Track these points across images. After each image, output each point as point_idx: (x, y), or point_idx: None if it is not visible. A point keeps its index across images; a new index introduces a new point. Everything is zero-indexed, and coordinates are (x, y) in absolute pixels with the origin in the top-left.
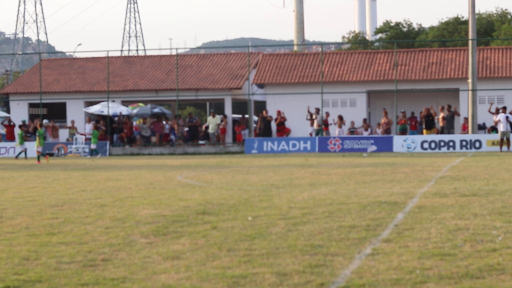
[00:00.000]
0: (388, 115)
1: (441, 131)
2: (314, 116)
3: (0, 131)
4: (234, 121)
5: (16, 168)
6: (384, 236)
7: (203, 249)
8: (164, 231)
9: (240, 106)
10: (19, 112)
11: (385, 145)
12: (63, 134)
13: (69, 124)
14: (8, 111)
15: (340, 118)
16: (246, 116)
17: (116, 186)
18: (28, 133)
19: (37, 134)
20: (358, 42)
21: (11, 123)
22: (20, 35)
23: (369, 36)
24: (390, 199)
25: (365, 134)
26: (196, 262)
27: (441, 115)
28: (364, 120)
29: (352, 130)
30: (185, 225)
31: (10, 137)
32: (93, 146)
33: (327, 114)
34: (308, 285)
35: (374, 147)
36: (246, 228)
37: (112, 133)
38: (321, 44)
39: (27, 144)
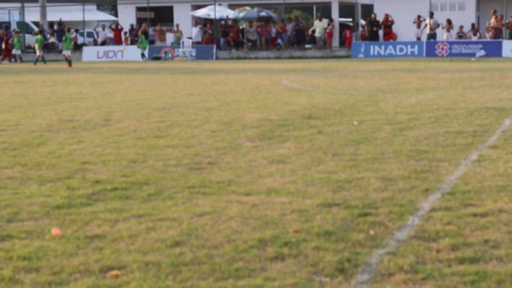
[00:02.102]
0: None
1: None
2: (427, 20)
3: (108, 35)
4: (341, 24)
5: (124, 71)
6: (490, 142)
7: (308, 153)
8: (269, 135)
9: (347, 9)
10: (126, 16)
11: (494, 50)
12: (170, 38)
13: (174, 28)
14: (116, 15)
15: (449, 22)
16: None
17: (223, 90)
18: (136, 37)
19: (63, 38)
20: None
21: (119, 27)
22: None
23: None
24: (498, 105)
25: (474, 38)
26: (301, 166)
27: None
28: (473, 25)
29: (461, 35)
30: (290, 129)
31: (117, 40)
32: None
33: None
34: (413, 191)
35: (482, 52)
36: (352, 133)
37: (219, 37)
38: None
39: (131, 48)
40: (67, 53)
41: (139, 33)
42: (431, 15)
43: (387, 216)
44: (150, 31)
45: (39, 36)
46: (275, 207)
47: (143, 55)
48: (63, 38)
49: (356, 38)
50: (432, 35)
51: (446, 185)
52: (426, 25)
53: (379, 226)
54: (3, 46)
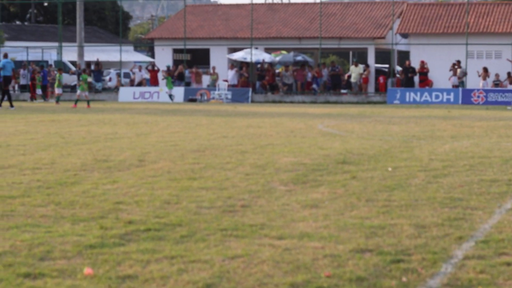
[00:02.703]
0: None
1: None
2: (455, 67)
3: (145, 76)
4: (377, 70)
5: (160, 112)
6: None
7: (342, 199)
8: (303, 179)
9: (383, 55)
10: (163, 57)
11: None
12: (206, 80)
13: (211, 70)
14: (153, 56)
15: (485, 70)
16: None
17: (257, 133)
18: (172, 78)
19: (80, 78)
20: None
21: (155, 68)
22: None
23: None
24: None
25: (510, 87)
26: (335, 211)
27: None
28: (509, 73)
29: (497, 83)
30: (324, 174)
31: (154, 81)
32: (167, 91)
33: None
34: (446, 238)
35: None
36: (386, 179)
37: (255, 80)
38: None
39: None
40: (82, 93)
41: (165, 74)
42: (459, 63)
43: (420, 263)
44: (186, 73)
45: (84, 76)
46: (307, 252)
47: (171, 96)
48: (80, 79)
49: (392, 85)
50: (460, 84)
51: (479, 233)
52: (455, 72)
53: (411, 273)
54: (30, 83)
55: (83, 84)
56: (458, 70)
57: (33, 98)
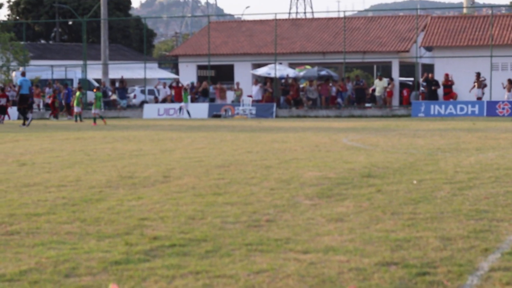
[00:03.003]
0: None
1: None
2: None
3: (169, 92)
4: (401, 84)
5: (184, 129)
6: None
7: (367, 212)
8: (328, 193)
9: (407, 69)
10: (187, 74)
11: None
12: (231, 96)
13: (235, 86)
14: (177, 73)
15: (510, 82)
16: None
17: (282, 148)
18: (197, 94)
19: (94, 96)
20: None
21: (179, 85)
22: None
23: None
24: None
25: None
26: (360, 225)
27: None
28: None
29: None
30: (349, 187)
31: (178, 98)
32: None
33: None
34: (472, 250)
35: None
36: (411, 192)
37: (279, 95)
38: (491, 6)
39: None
40: (96, 111)
41: (199, 90)
42: (478, 75)
43: (445, 275)
44: (211, 89)
45: (98, 93)
46: (332, 266)
47: (187, 111)
48: (94, 97)
49: (416, 98)
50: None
51: (506, 245)
52: (474, 86)
53: (437, 286)
54: (50, 101)
55: (96, 102)
56: (477, 82)
57: (53, 115)
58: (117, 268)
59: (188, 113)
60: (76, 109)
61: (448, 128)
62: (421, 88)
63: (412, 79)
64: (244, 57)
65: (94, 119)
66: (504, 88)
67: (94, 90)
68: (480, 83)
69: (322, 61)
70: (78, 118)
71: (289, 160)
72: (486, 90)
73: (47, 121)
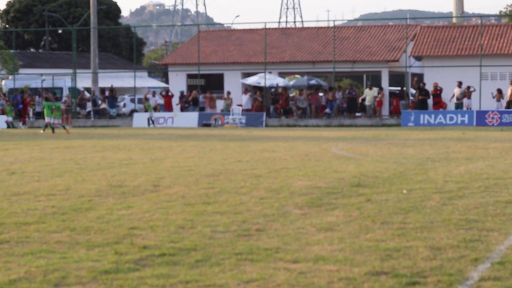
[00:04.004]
0: None
1: None
2: (455, 90)
3: (159, 101)
4: (391, 93)
5: (174, 138)
6: None
7: (357, 221)
8: (318, 203)
9: (397, 78)
10: (177, 83)
11: None
12: (220, 105)
13: (225, 95)
14: (167, 82)
15: (499, 91)
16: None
17: (272, 157)
18: (187, 103)
19: (53, 106)
20: None
21: (169, 93)
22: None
23: None
24: None
25: None
26: (350, 234)
27: None
28: None
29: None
30: (339, 197)
31: (168, 107)
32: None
33: (468, 87)
34: (462, 260)
35: None
36: (401, 201)
37: (269, 105)
38: (481, 16)
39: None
40: (50, 120)
41: (189, 99)
42: (459, 84)
43: (435, 285)
44: (201, 98)
45: (49, 104)
46: (322, 275)
47: (151, 120)
48: (53, 107)
49: (405, 107)
50: (459, 105)
51: (495, 255)
52: (453, 95)
53: None
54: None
55: (55, 112)
56: (459, 91)
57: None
58: (107, 278)
59: (152, 121)
60: (46, 119)
61: (437, 138)
62: (411, 98)
63: (399, 88)
64: (234, 66)
65: (50, 127)
66: (493, 97)
67: (44, 98)
68: (470, 94)
69: (311, 70)
70: (45, 128)
71: (279, 170)
72: (476, 99)
73: (37, 129)
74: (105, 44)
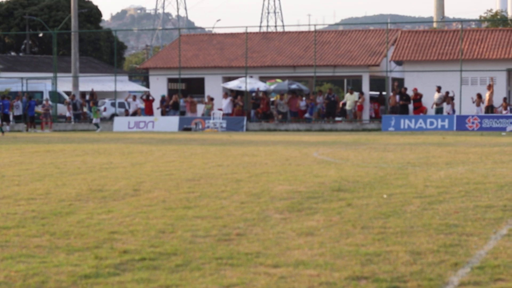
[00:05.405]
0: None
1: None
2: (435, 95)
3: (139, 105)
4: (372, 98)
5: (155, 142)
6: None
7: (337, 226)
8: (298, 207)
9: (377, 83)
10: (158, 87)
11: None
12: (201, 109)
13: (205, 99)
14: (147, 86)
15: (479, 96)
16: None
17: (252, 162)
18: (167, 108)
19: None
20: (497, 20)
21: (150, 98)
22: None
23: (510, 14)
24: None
25: (505, 113)
26: (330, 239)
27: None
28: (504, 99)
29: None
30: (319, 201)
31: (148, 111)
32: (94, 120)
33: (447, 92)
34: (442, 265)
35: None
36: (381, 206)
37: (249, 109)
38: (461, 21)
39: (162, 119)
40: None
41: (170, 103)
42: (439, 89)
43: None
44: (181, 102)
45: None
46: (303, 280)
47: (96, 125)
48: None
49: (386, 111)
50: (439, 110)
51: (475, 260)
52: (434, 104)
53: None
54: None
55: None
56: (437, 96)
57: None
58: (87, 282)
59: (98, 126)
60: None
61: (418, 142)
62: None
63: (378, 92)
64: (215, 70)
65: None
66: (473, 102)
67: None
68: (449, 99)
69: (292, 74)
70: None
71: (260, 174)
72: (456, 104)
73: (18, 133)
74: (86, 48)
